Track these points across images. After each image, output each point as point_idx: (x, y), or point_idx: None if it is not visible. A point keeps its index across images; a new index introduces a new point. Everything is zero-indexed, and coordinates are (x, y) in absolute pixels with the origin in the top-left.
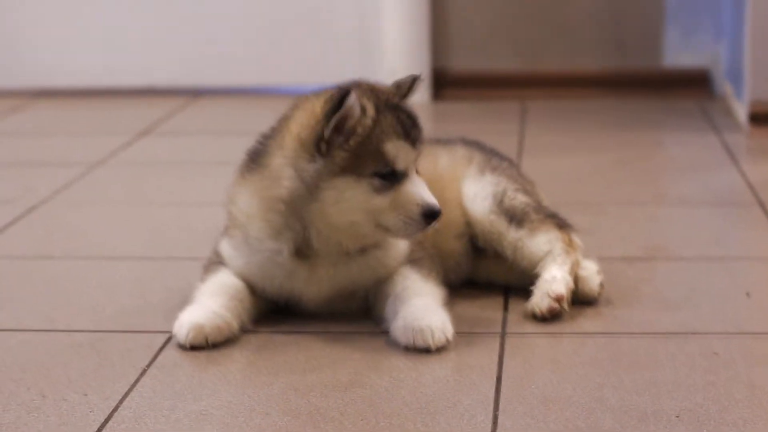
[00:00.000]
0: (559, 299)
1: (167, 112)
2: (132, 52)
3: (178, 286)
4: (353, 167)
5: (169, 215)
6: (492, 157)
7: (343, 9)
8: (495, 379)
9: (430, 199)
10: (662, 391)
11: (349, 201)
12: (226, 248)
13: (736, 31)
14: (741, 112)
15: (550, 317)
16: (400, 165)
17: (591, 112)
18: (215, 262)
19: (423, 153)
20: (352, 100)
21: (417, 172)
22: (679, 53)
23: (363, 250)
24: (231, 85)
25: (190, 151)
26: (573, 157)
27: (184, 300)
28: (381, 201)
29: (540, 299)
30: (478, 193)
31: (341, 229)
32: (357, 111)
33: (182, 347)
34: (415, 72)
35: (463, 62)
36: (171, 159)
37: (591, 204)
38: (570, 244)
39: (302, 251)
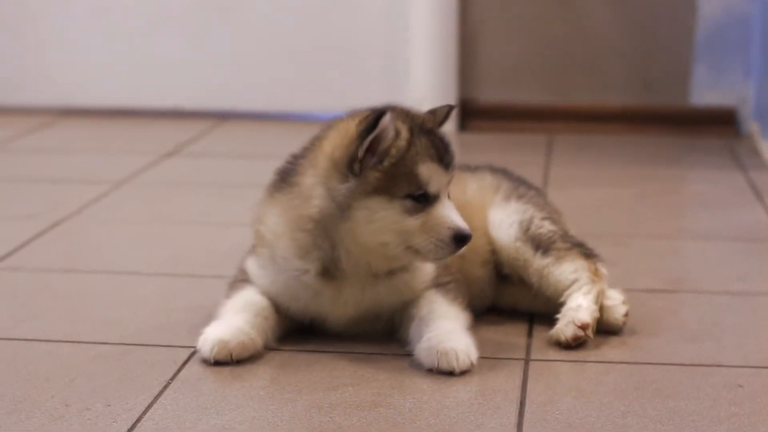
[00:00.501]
0: (584, 327)
1: (193, 134)
2: (160, 74)
3: (202, 303)
4: (386, 188)
5: (192, 234)
6: (519, 185)
7: (373, 38)
8: (518, 403)
9: (462, 223)
10: (686, 421)
11: (381, 221)
12: (252, 266)
13: (764, 70)
14: (767, 151)
15: (575, 344)
16: (433, 188)
17: (617, 147)
18: (241, 279)
19: (455, 179)
20: (387, 120)
21: (448, 196)
22: (706, 91)
23: (391, 273)
24: (257, 110)
25: (215, 173)
26: (598, 190)
27: (208, 317)
28: (413, 223)
29: (565, 326)
30: (504, 220)
31: (371, 249)
32: (391, 132)
33: (206, 362)
34: (441, 102)
35: (490, 94)
36: (196, 180)
37: (615, 236)
38: (596, 274)
39: (329, 272)
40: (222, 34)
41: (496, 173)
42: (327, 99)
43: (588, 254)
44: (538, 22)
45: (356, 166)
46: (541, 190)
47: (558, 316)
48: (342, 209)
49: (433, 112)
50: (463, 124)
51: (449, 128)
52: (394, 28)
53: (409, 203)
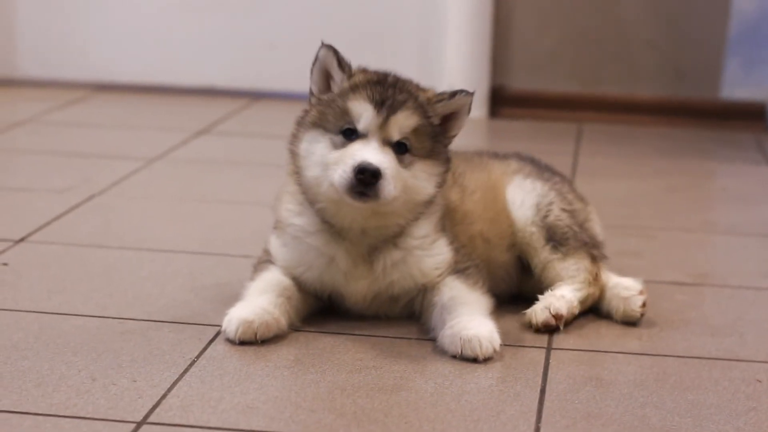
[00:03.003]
0: (557, 317)
1: (226, 112)
2: (194, 52)
3: (229, 281)
4: (323, 122)
5: (222, 213)
6: (544, 171)
7: (407, 24)
8: (539, 391)
9: (370, 157)
10: (704, 414)
11: (313, 155)
12: (272, 244)
13: None
14: None
15: (543, 330)
16: (362, 125)
17: (646, 138)
18: (265, 260)
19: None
20: (323, 52)
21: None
22: (737, 86)
23: (396, 245)
24: (290, 91)
25: (246, 152)
26: (625, 181)
27: (235, 295)
28: (333, 155)
29: (540, 310)
30: (524, 200)
31: (312, 188)
32: (335, 69)
33: (231, 342)
34: (473, 88)
35: (521, 82)
36: (227, 159)
37: (641, 228)
38: (595, 278)
39: (330, 232)
40: (258, 14)
41: (522, 160)
42: None
43: (595, 257)
44: (571, 11)
45: (312, 100)
46: (567, 178)
47: (539, 298)
48: (296, 145)
49: (440, 92)
50: (494, 111)
51: (480, 115)
52: (428, 15)
53: (338, 138)
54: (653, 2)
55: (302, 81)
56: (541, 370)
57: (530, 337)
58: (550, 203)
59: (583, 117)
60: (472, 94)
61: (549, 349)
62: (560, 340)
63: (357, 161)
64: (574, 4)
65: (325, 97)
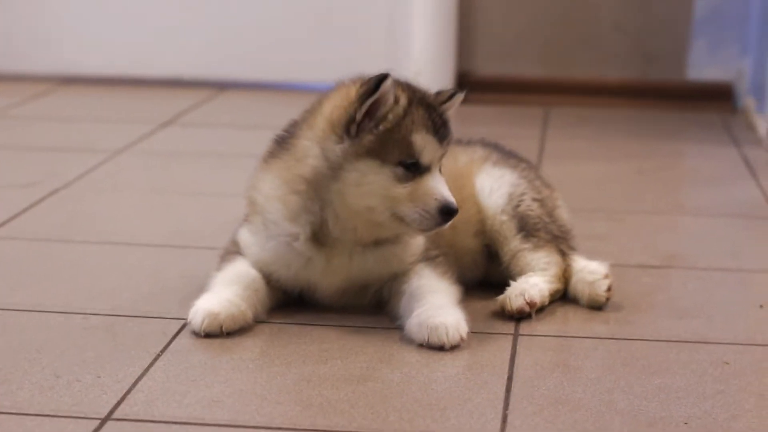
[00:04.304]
0: (531, 305)
1: (192, 103)
2: (159, 43)
3: (195, 274)
4: (378, 152)
5: (188, 205)
6: (510, 158)
7: (372, 9)
8: (506, 378)
9: (450, 196)
10: (672, 397)
11: (370, 185)
12: (244, 235)
13: (761, 46)
14: (762, 126)
15: (517, 316)
16: (425, 158)
17: (613, 121)
18: (232, 251)
19: (448, 153)
20: (388, 84)
21: (440, 171)
22: (704, 67)
23: (378, 243)
24: (256, 80)
25: (212, 142)
26: (593, 164)
27: (200, 288)
28: (401, 190)
29: (515, 297)
30: (493, 188)
31: (358, 213)
32: (391, 97)
33: (196, 334)
34: (439, 74)
35: (487, 67)
36: (193, 150)
37: (609, 211)
38: (563, 274)
39: (319, 238)
40: (222, 3)
41: (487, 146)
42: (326, 69)
43: (565, 252)
44: None
45: (353, 128)
46: (532, 164)
47: (510, 284)
48: (334, 169)
49: (438, 92)
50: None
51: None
52: (394, 0)
53: (399, 171)
54: None
55: (269, 70)
56: (508, 357)
57: (497, 324)
58: (523, 193)
59: (550, 101)
60: (464, 92)
61: (516, 335)
62: (527, 326)
63: (441, 202)
64: None
65: (381, 127)
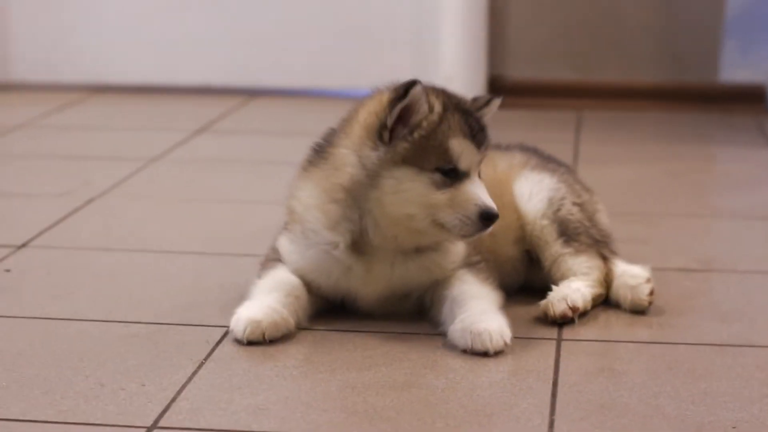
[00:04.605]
0: (574, 310)
1: (223, 111)
2: (190, 52)
3: (234, 281)
4: (415, 160)
5: (223, 212)
6: (548, 162)
7: (402, 16)
8: (551, 383)
9: (490, 201)
10: (718, 401)
11: (408, 192)
12: (284, 243)
13: None
14: None
15: (560, 322)
16: (463, 164)
17: (646, 124)
18: (273, 259)
19: (486, 158)
20: (417, 90)
21: (479, 176)
22: (736, 68)
23: (419, 251)
24: (286, 87)
25: (245, 150)
26: (627, 168)
27: (240, 296)
28: (440, 197)
29: (558, 302)
30: (533, 193)
31: (397, 221)
32: (423, 103)
33: (239, 342)
34: (470, 79)
35: (519, 71)
36: (226, 157)
37: (646, 214)
38: (605, 278)
39: (359, 246)
40: (251, 11)
41: (526, 151)
42: (355, 76)
43: (606, 256)
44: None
45: (385, 135)
46: (571, 168)
47: (553, 289)
48: (371, 177)
49: (474, 99)
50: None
51: None
52: (423, 6)
53: (437, 177)
54: None
55: (298, 77)
56: (553, 362)
57: (540, 329)
58: (563, 198)
59: (582, 105)
60: (501, 97)
61: (559, 340)
62: (570, 331)
63: (481, 208)
64: None
65: (416, 134)
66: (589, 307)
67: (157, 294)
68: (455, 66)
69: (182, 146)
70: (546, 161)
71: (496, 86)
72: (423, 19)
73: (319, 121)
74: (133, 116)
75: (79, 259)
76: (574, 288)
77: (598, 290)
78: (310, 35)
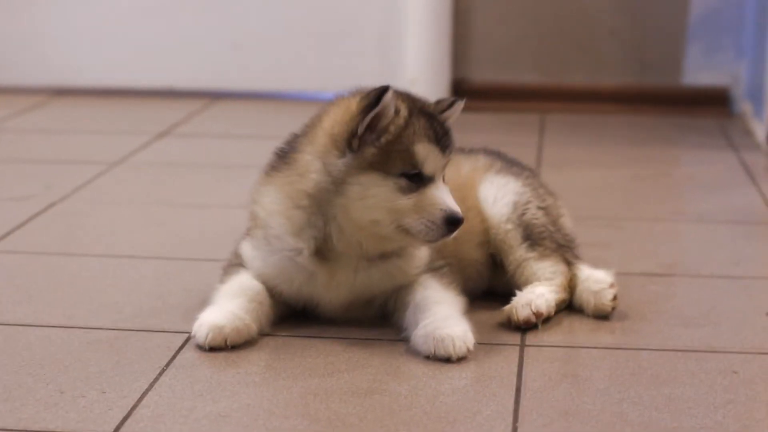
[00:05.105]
0: (537, 315)
1: (185, 114)
2: (153, 54)
3: (197, 287)
4: (381, 165)
5: (187, 216)
6: (513, 166)
7: (367, 18)
8: (514, 390)
9: (454, 206)
10: (682, 407)
11: (374, 198)
12: (246, 249)
13: (757, 51)
14: (760, 131)
15: (523, 327)
16: (428, 168)
17: (610, 127)
18: (235, 264)
19: (451, 162)
20: (389, 98)
21: (444, 181)
22: (699, 72)
23: (383, 257)
24: (250, 90)
25: (208, 153)
26: (592, 171)
27: (203, 301)
28: (405, 202)
29: (522, 307)
30: (498, 197)
31: (362, 227)
32: (392, 110)
33: (201, 348)
34: (435, 82)
35: (483, 74)
36: (190, 161)
37: (610, 218)
38: (569, 283)
39: (322, 252)
40: (215, 13)
41: (490, 155)
42: (320, 78)
43: (570, 261)
44: (532, 2)
45: (355, 142)
46: (535, 172)
47: (517, 294)
48: (337, 184)
49: (437, 102)
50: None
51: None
52: (388, 8)
53: (403, 182)
54: None
55: (261, 79)
56: (516, 369)
57: (503, 335)
58: (527, 202)
59: (546, 108)
60: (464, 100)
61: (522, 346)
62: (533, 337)
63: (447, 212)
64: None
65: (382, 139)
66: (552, 312)
67: (119, 299)
68: (419, 68)
69: (145, 150)
70: (510, 165)
71: (460, 89)
72: (389, 23)
73: (283, 124)
74: (96, 119)
75: (40, 264)
76: (538, 293)
77: (562, 295)
78: (274, 38)
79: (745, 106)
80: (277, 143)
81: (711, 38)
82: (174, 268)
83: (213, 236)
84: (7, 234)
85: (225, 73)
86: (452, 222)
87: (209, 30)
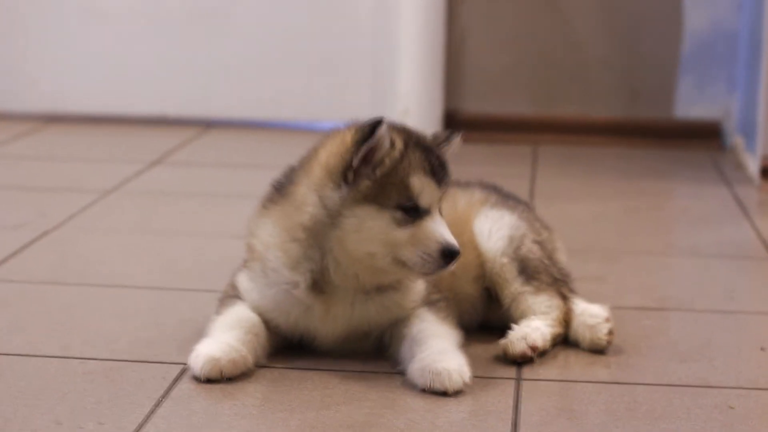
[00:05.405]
0: (534, 349)
1: (178, 142)
2: (145, 81)
3: (192, 317)
4: (376, 197)
5: (181, 245)
6: (508, 199)
7: (359, 48)
8: (512, 424)
9: (451, 238)
10: None
11: (369, 231)
12: (243, 281)
13: (749, 84)
14: (752, 165)
15: (519, 361)
16: (424, 201)
17: (601, 159)
18: (231, 295)
19: (447, 195)
20: (383, 130)
21: (440, 213)
22: (691, 105)
23: (379, 290)
24: (242, 119)
25: (201, 182)
26: (584, 204)
27: (198, 332)
28: (401, 234)
29: (517, 341)
30: (493, 231)
31: (359, 260)
32: (386, 142)
33: (197, 379)
34: (427, 113)
35: (475, 105)
36: (182, 189)
37: (603, 251)
38: (564, 318)
39: (319, 286)
40: (208, 42)
41: (485, 188)
42: (313, 108)
43: (566, 296)
44: (524, 33)
45: (350, 175)
46: (530, 206)
47: (512, 327)
48: (332, 217)
49: (435, 135)
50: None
51: None
52: (380, 39)
53: (398, 215)
54: (607, 23)
55: (254, 108)
56: (512, 403)
57: (499, 369)
58: (523, 236)
59: (538, 139)
60: (461, 134)
61: (519, 380)
62: (529, 371)
63: (443, 245)
64: (527, 26)
65: (377, 172)
66: (548, 346)
67: (114, 329)
68: (411, 99)
69: (138, 178)
70: (505, 198)
71: (453, 120)
72: (381, 53)
73: (276, 153)
74: (87, 147)
75: (34, 293)
76: (533, 327)
77: (558, 329)
78: (267, 68)
79: (736, 140)
80: (271, 172)
81: (703, 71)
82: (168, 298)
83: (208, 266)
84: (1, 262)
85: (216, 102)
86: (449, 255)
87: (202, 59)
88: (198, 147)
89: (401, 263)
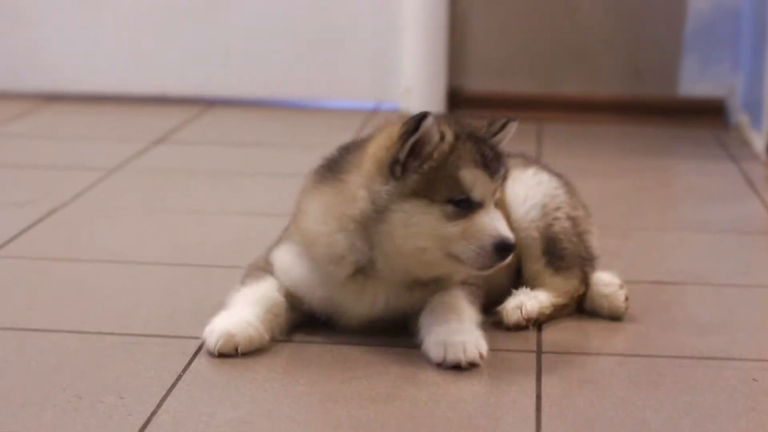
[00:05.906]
0: (528, 320)
1: (181, 120)
2: (146, 60)
3: (206, 294)
4: (425, 192)
5: (188, 223)
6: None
7: (362, 27)
8: (535, 397)
9: (506, 231)
10: (704, 415)
11: (418, 225)
12: (282, 257)
13: (754, 62)
14: (758, 142)
15: (513, 329)
16: (476, 194)
17: (606, 138)
18: (261, 269)
19: (500, 184)
20: (429, 123)
21: (496, 205)
22: (695, 82)
23: (423, 282)
24: (244, 97)
25: (205, 160)
26: (592, 181)
27: (213, 307)
28: (452, 229)
29: (512, 309)
30: (529, 197)
31: (409, 254)
32: (434, 135)
33: (210, 354)
34: (430, 91)
35: (479, 83)
36: (188, 167)
37: (615, 228)
38: (574, 299)
39: (365, 271)
40: (210, 20)
41: (528, 160)
42: (315, 87)
43: (585, 277)
44: (528, 11)
45: (397, 169)
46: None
47: (513, 293)
48: (380, 212)
49: (489, 124)
50: (452, 113)
51: None
52: (383, 17)
53: (449, 209)
54: (611, 2)
55: (255, 87)
56: (534, 375)
57: (519, 341)
58: (558, 207)
59: (542, 117)
60: (516, 120)
61: (539, 353)
62: (548, 343)
63: (497, 239)
64: (531, 4)
65: (426, 166)
66: (547, 312)
67: (128, 305)
68: (414, 77)
69: (142, 156)
70: (545, 167)
71: (456, 98)
72: (384, 32)
73: (278, 132)
74: (90, 125)
75: (46, 269)
76: (532, 296)
77: (562, 300)
78: (268, 46)
79: (741, 117)
80: (272, 151)
81: (707, 49)
82: (180, 274)
83: (215, 243)
84: (12, 239)
85: (218, 81)
86: (503, 248)
87: (203, 37)
88: (200, 126)
89: (454, 257)
